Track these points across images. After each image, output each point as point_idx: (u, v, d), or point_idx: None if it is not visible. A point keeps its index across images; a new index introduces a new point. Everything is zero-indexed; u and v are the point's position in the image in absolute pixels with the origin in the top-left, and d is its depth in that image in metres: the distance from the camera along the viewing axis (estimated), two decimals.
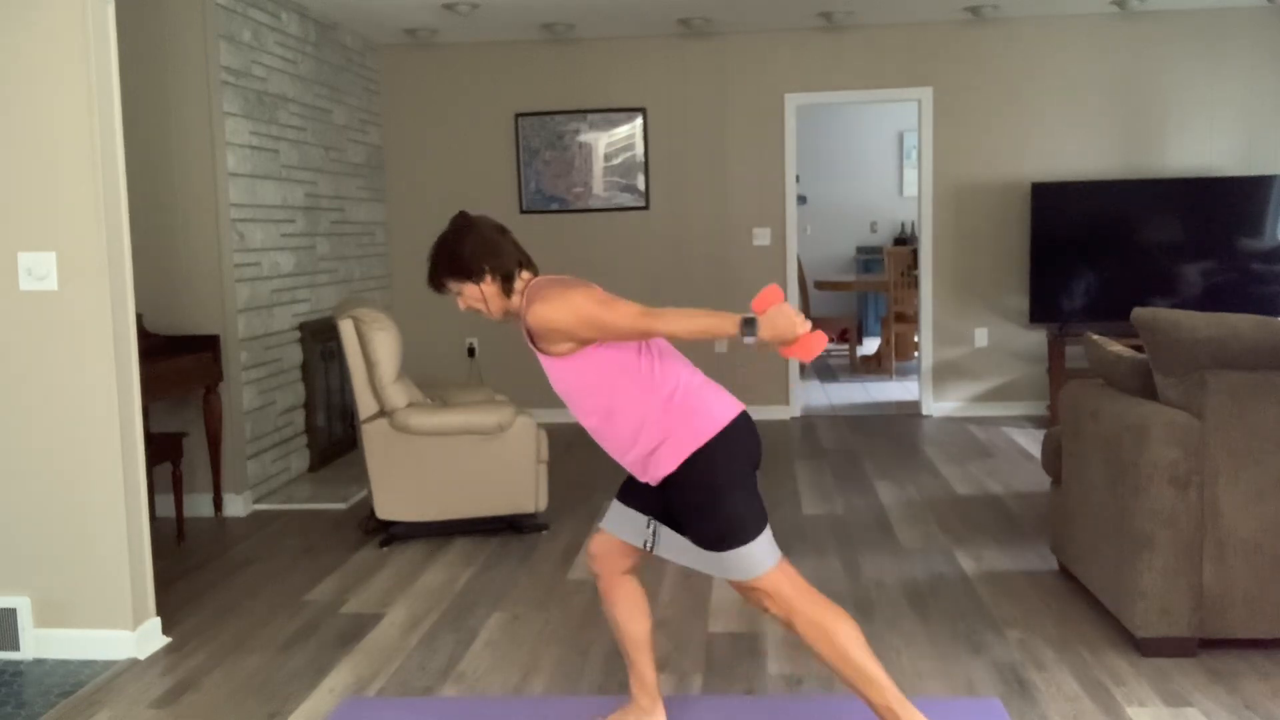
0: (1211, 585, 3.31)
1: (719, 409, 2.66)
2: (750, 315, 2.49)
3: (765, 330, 2.49)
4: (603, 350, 2.64)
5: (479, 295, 2.75)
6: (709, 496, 2.62)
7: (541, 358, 2.71)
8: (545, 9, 6.58)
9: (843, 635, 2.61)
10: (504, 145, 7.65)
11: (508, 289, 2.75)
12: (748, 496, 2.65)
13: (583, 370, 2.67)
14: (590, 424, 2.74)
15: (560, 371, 2.70)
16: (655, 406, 2.63)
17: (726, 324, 2.51)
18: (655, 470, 2.66)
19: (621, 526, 2.82)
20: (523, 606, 4.04)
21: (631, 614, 2.89)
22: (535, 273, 2.82)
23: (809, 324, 2.52)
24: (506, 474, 4.81)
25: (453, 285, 2.77)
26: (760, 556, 2.63)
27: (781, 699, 3.21)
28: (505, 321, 2.83)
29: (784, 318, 2.49)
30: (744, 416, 2.70)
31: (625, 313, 2.56)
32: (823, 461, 6.31)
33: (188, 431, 5.30)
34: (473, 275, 2.73)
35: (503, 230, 2.80)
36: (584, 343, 2.63)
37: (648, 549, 2.78)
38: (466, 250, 2.72)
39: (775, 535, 2.74)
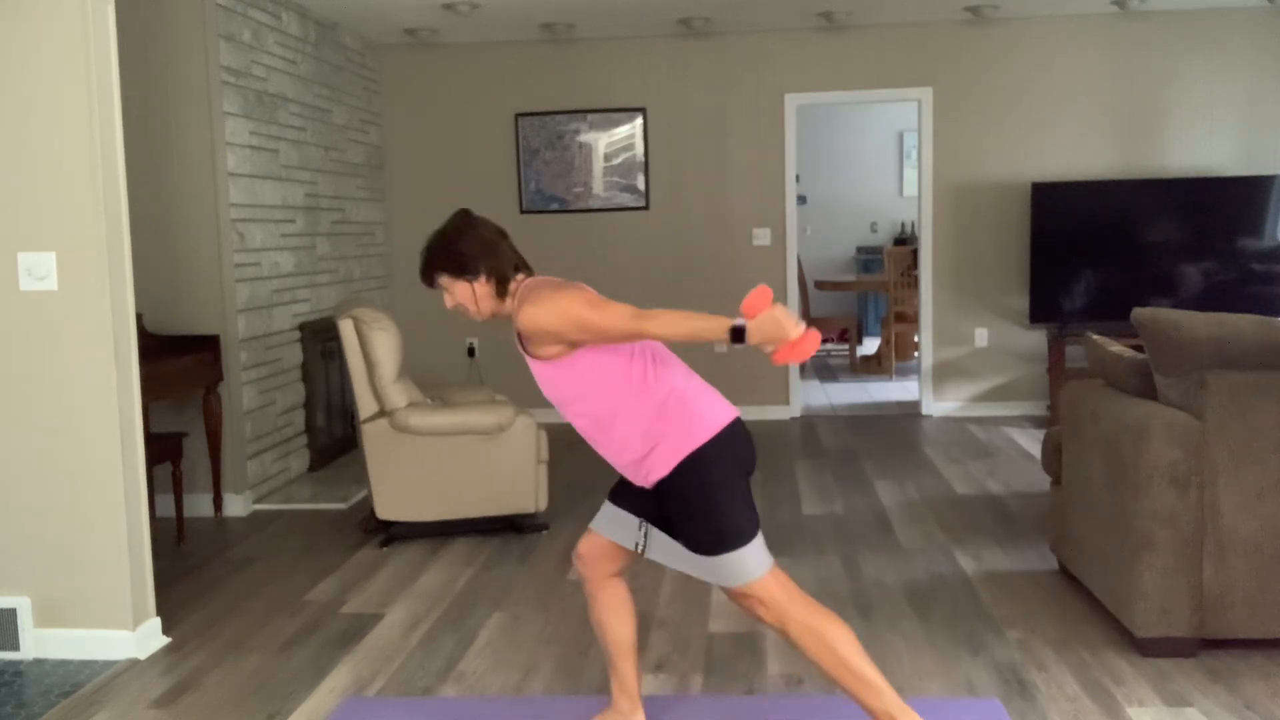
0: (1211, 585, 3.31)
1: (713, 414, 2.64)
2: (740, 323, 2.46)
3: (754, 336, 2.46)
4: (592, 355, 2.62)
5: (470, 294, 2.73)
6: (702, 500, 2.60)
7: (531, 364, 2.68)
8: (545, 9, 6.58)
9: (839, 641, 2.58)
10: (504, 145, 7.64)
11: (501, 291, 2.74)
12: (740, 502, 2.63)
13: (573, 376, 2.64)
14: (582, 426, 2.73)
15: (550, 377, 2.67)
16: (648, 412, 2.61)
17: (717, 329, 2.48)
18: (649, 474, 2.64)
19: (613, 528, 2.80)
20: (523, 606, 4.04)
21: (617, 617, 2.88)
22: (530, 275, 2.81)
23: (801, 326, 2.48)
24: (506, 474, 4.81)
25: (445, 281, 2.75)
26: (752, 563, 2.62)
27: (781, 699, 3.21)
28: (489, 321, 2.81)
29: (773, 324, 2.45)
30: (738, 423, 2.68)
31: (615, 314, 2.54)
32: (823, 461, 6.31)
33: (188, 431, 5.30)
34: (468, 273, 2.71)
35: (502, 233, 2.79)
36: (573, 345, 2.61)
37: (639, 551, 2.76)
38: (466, 248, 2.71)
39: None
